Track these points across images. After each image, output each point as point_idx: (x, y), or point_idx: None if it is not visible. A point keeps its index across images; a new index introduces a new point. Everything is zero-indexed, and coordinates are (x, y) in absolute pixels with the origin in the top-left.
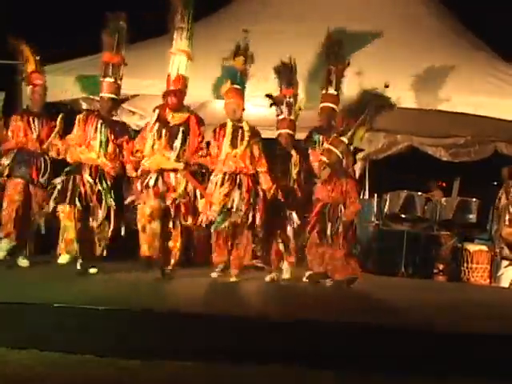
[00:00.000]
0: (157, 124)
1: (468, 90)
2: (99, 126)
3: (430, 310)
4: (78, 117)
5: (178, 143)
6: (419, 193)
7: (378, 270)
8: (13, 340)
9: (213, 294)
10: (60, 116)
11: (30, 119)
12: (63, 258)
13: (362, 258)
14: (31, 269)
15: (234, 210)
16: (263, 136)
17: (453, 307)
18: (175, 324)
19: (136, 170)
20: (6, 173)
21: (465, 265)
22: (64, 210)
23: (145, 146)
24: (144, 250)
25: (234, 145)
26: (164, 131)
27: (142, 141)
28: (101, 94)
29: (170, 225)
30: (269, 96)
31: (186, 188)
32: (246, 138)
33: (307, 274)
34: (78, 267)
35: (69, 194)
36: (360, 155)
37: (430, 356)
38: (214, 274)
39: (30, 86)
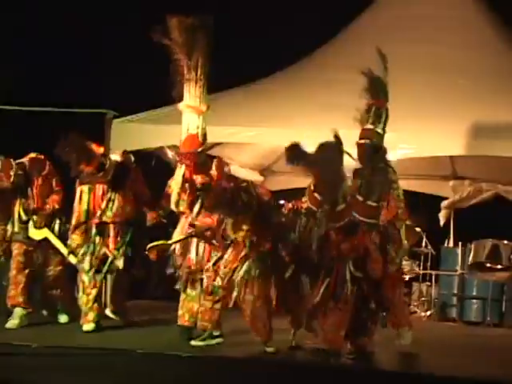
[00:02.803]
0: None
1: None
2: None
3: None
4: None
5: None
6: (505, 241)
7: (462, 319)
8: None
9: None
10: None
11: None
12: (90, 326)
13: (446, 308)
14: None
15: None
16: None
17: None
18: None
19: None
20: None
21: None
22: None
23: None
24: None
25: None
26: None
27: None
28: None
29: None
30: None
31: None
32: None
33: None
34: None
35: None
36: (445, 203)
37: None
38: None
39: None
